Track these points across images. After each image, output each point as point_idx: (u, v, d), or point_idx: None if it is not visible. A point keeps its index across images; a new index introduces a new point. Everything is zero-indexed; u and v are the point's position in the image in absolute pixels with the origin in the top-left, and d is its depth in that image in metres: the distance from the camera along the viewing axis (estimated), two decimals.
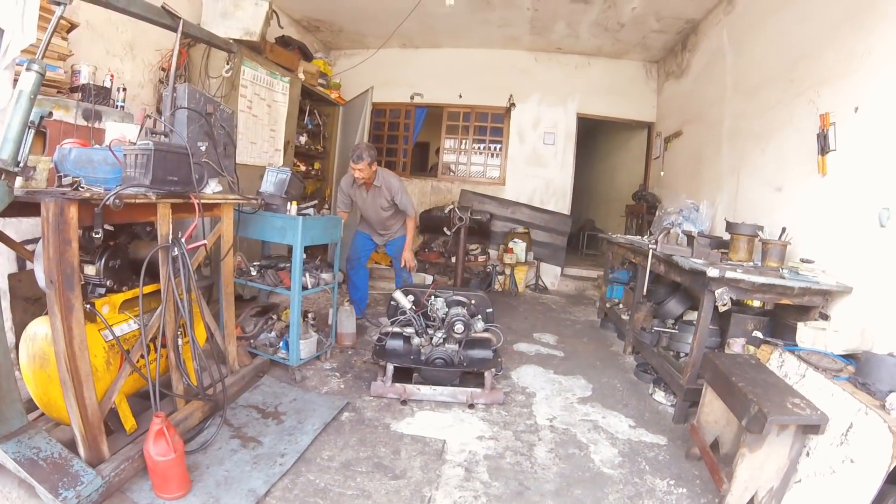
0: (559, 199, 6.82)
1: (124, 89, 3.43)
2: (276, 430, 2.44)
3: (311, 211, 3.22)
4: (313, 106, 6.01)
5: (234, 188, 2.76)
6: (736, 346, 2.63)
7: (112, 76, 3.42)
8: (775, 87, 3.49)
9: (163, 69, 4.04)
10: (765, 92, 3.65)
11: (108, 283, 2.11)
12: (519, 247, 6.27)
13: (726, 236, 3.24)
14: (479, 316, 3.10)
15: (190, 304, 2.28)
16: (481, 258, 6.26)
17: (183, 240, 2.18)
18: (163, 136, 2.23)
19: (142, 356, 2.04)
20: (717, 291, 2.44)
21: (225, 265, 2.78)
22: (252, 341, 3.30)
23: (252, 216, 3.05)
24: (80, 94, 3.16)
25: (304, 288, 3.12)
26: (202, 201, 2.29)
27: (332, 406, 2.72)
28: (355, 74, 7.09)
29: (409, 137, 7.51)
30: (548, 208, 6.80)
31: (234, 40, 4.03)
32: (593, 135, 10.07)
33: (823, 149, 2.79)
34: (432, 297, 3.08)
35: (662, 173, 5.95)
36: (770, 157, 3.49)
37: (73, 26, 3.22)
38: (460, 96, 6.97)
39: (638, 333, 3.60)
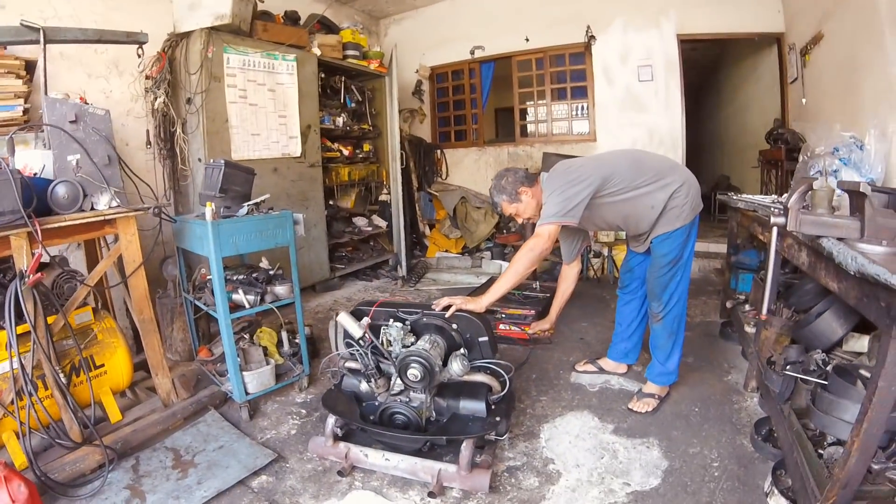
0: (668, 151, 5.07)
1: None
2: (171, 487, 1.94)
3: (243, 210, 2.48)
4: (350, 82, 5.27)
5: (125, 199, 2.32)
6: None
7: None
8: None
9: (147, 77, 3.65)
10: None
11: None
12: None
13: None
14: (462, 351, 2.06)
15: (74, 338, 2.14)
16: None
17: (28, 273, 1.92)
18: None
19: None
20: None
21: (134, 288, 2.35)
22: (216, 366, 2.77)
23: (188, 224, 2.55)
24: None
25: (239, 307, 2.48)
26: (70, 223, 2.05)
27: (250, 464, 2.07)
28: (408, 40, 6.25)
29: (477, 100, 6.39)
30: None
31: (210, 29, 3.54)
32: (713, 69, 7.79)
33: None
34: (389, 322, 2.09)
35: (804, 100, 3.96)
36: None
37: (29, 64, 2.96)
38: (527, 40, 5.63)
39: (763, 368, 2.15)
